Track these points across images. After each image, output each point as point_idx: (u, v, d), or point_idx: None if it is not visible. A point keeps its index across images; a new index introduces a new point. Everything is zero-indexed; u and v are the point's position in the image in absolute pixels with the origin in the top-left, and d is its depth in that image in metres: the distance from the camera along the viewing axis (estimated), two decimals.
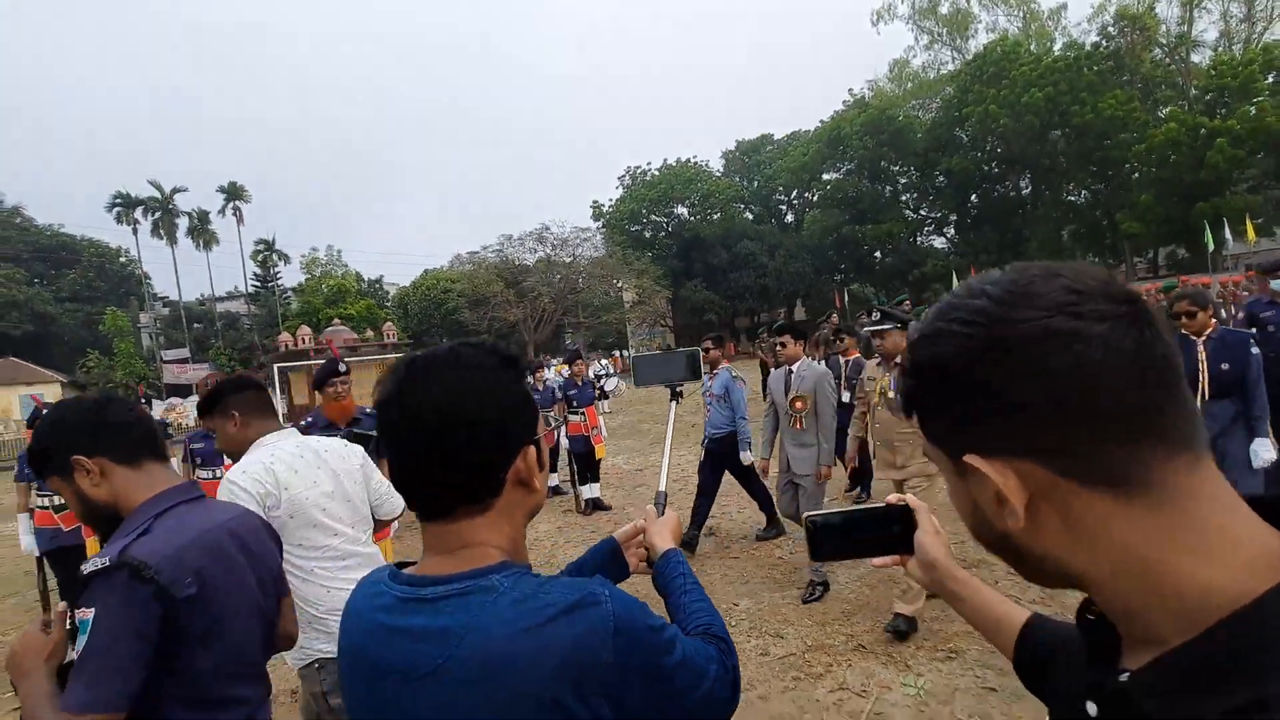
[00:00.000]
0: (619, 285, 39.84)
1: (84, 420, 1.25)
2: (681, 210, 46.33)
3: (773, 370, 4.79)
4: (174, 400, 29.85)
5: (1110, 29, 30.24)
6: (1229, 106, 26.18)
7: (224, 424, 1.95)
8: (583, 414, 6.62)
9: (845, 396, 5.67)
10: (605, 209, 46.53)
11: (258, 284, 36.47)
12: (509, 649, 0.71)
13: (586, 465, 6.64)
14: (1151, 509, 0.45)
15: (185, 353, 31.48)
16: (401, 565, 0.85)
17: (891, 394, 3.62)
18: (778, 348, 4.45)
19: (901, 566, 0.87)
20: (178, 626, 1.15)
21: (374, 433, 3.00)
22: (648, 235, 45.25)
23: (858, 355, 6.15)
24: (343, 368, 3.69)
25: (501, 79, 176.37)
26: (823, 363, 5.91)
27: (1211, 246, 24.26)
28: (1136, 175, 31.38)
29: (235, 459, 1.96)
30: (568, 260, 37.25)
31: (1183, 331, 3.60)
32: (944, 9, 37.47)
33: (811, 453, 4.16)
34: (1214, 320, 3.60)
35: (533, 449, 0.82)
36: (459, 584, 0.77)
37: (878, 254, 42.63)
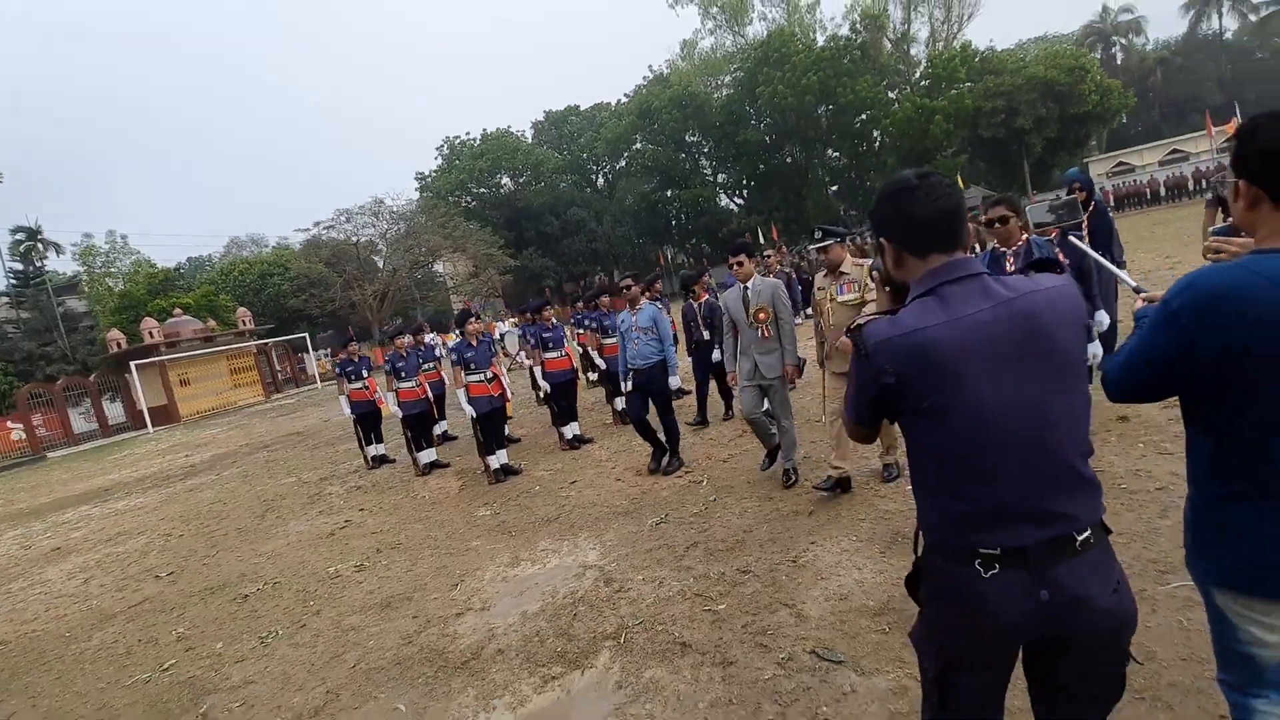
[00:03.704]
0: (434, 262, 39.46)
1: (885, 207, 1.35)
2: (506, 181, 47.29)
3: (727, 290, 4.95)
4: None
5: (858, 25, 37.72)
6: (941, 90, 34.78)
7: None
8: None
9: (706, 334, 6.71)
10: (429, 178, 45.85)
11: (17, 281, 30.07)
12: None
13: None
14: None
15: None
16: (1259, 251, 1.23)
17: (841, 298, 4.12)
18: (734, 267, 4.65)
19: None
20: (890, 404, 1.31)
21: None
22: (473, 206, 45.43)
23: (708, 298, 7.05)
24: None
25: (289, 44, 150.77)
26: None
27: None
28: (879, 144, 39.88)
29: None
30: (403, 234, 36.57)
31: (994, 244, 4.11)
32: None
33: (777, 357, 4.46)
34: (1024, 233, 3.97)
35: None
36: None
37: (684, 216, 47.85)
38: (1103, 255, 4.13)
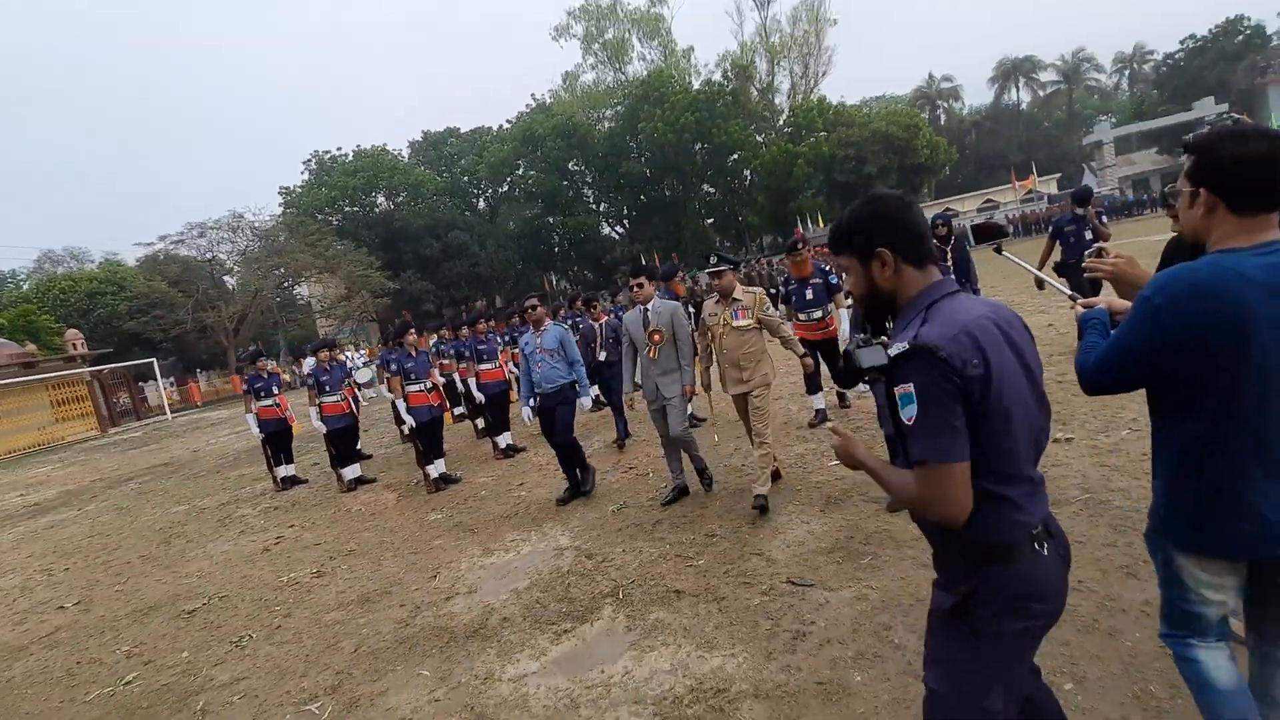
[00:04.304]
0: (299, 283, 37.12)
1: (890, 217, 1.40)
2: (381, 200, 45.49)
3: (628, 311, 4.99)
4: None
5: (729, 73, 40.91)
6: (801, 137, 38.50)
7: None
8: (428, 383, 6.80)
9: (602, 355, 7.16)
10: (296, 193, 43.10)
11: None
12: None
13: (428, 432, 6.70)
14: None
15: None
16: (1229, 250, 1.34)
17: (735, 323, 4.28)
18: (634, 289, 4.69)
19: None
20: (972, 402, 1.25)
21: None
22: (345, 225, 43.20)
23: (607, 319, 7.43)
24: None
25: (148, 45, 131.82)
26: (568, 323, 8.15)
27: (803, 231, 35.97)
28: (749, 182, 43.19)
29: None
30: (265, 253, 34.04)
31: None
32: (609, 35, 44.61)
33: (675, 376, 4.58)
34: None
35: None
36: None
37: (567, 243, 48.61)
38: (962, 283, 5.82)
